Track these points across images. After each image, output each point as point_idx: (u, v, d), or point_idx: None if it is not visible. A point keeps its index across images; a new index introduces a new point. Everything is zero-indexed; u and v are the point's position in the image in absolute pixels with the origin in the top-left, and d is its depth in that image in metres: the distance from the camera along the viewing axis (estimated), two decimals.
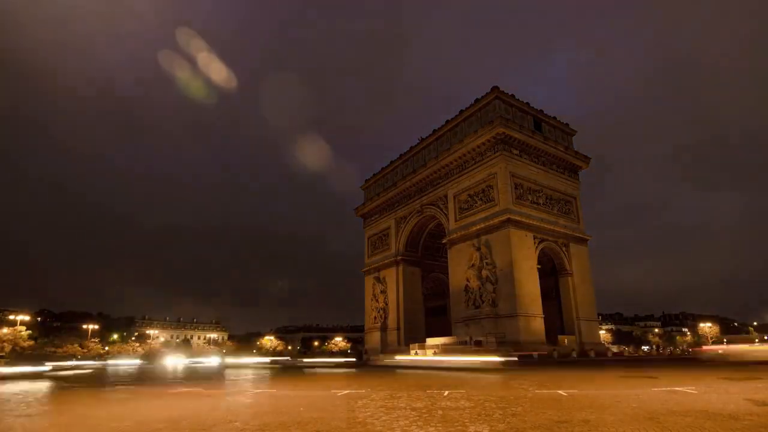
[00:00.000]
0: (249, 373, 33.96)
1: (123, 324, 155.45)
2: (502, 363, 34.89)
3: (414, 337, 72.81)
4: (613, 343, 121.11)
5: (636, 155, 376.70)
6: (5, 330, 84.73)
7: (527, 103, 67.76)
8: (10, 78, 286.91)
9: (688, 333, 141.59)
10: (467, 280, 62.55)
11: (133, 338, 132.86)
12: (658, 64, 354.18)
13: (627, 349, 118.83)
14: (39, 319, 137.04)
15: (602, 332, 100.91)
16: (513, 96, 66.06)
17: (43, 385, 22.96)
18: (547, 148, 66.79)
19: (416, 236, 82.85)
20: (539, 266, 61.61)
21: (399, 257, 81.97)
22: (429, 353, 60.23)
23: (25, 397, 16.65)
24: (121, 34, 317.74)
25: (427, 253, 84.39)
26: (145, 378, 30.72)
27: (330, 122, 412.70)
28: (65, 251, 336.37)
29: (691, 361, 42.62)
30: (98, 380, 28.78)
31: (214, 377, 29.52)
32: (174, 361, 58.09)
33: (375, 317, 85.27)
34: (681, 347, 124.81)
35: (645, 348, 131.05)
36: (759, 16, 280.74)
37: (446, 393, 14.16)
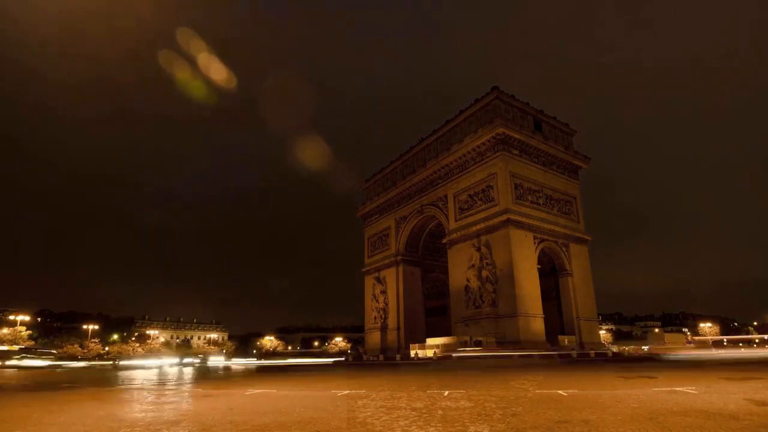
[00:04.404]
0: None
1: (123, 324, 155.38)
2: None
3: (414, 337, 72.80)
4: (613, 343, 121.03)
5: None
6: (5, 330, 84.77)
7: (527, 103, 67.74)
8: (10, 78, 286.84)
9: (688, 333, 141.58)
10: (467, 280, 62.51)
11: (133, 338, 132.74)
12: None
13: (627, 349, 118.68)
14: (39, 319, 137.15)
15: (602, 332, 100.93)
16: (513, 96, 66.03)
17: None
18: (547, 148, 66.77)
19: (416, 236, 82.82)
20: (539, 266, 61.61)
21: (399, 257, 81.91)
22: (429, 352, 60.24)
23: None
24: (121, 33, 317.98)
25: (427, 253, 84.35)
26: None
27: (331, 122, 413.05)
28: (65, 251, 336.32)
29: None
30: None
31: None
32: None
33: (375, 317, 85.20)
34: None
35: (645, 347, 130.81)
36: None
37: (446, 393, 14.16)
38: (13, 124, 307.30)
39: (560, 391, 13.82)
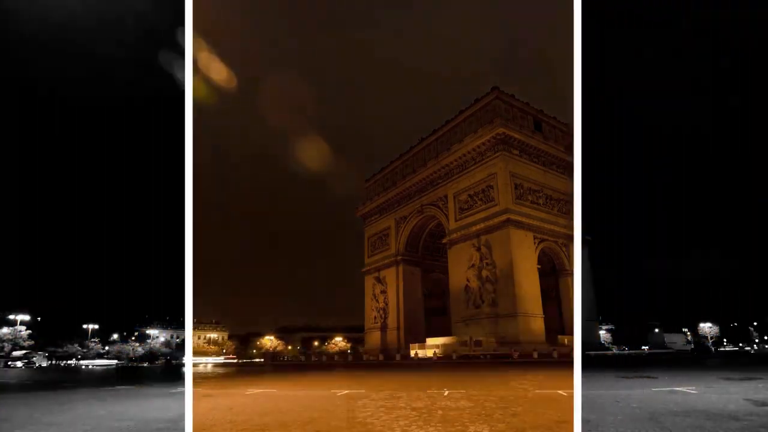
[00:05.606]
0: None
1: (123, 324, 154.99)
2: None
3: (414, 336, 72.68)
4: (613, 343, 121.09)
5: None
6: (5, 329, 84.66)
7: (527, 103, 67.67)
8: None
9: (688, 333, 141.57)
10: (467, 280, 62.47)
11: (133, 338, 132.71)
12: None
13: (627, 350, 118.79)
14: (39, 318, 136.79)
15: (602, 332, 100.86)
16: (513, 96, 65.95)
17: None
18: (547, 148, 66.73)
19: (416, 236, 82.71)
20: (539, 266, 61.60)
21: (399, 257, 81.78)
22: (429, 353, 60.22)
23: None
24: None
25: (427, 253, 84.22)
26: None
27: (330, 121, 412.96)
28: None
29: None
30: None
31: None
32: None
33: (375, 317, 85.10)
34: None
35: (644, 348, 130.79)
36: None
37: (446, 393, 14.15)
38: None
39: (560, 391, 13.81)
